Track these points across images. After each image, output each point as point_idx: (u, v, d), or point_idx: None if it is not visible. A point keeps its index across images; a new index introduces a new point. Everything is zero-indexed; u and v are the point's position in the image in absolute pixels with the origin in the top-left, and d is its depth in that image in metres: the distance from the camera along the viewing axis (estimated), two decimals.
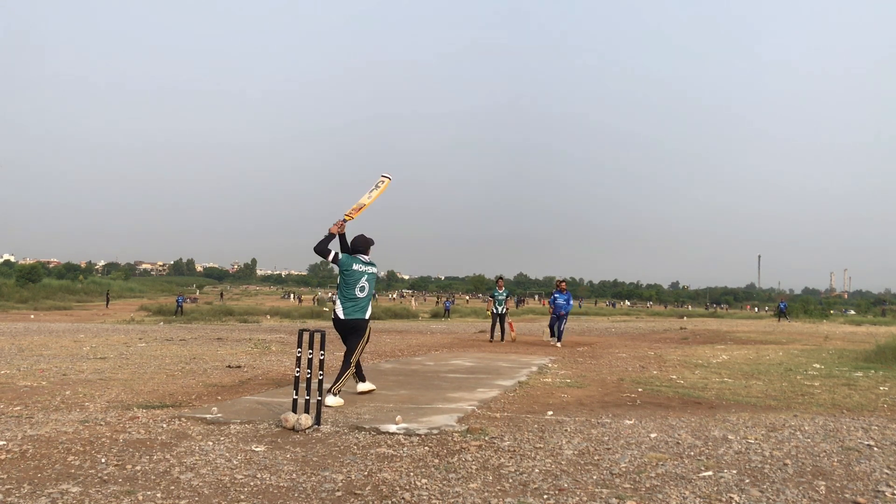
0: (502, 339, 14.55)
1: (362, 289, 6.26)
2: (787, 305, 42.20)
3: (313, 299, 60.37)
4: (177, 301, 36.82)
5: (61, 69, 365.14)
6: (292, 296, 68.06)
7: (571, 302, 14.35)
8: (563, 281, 14.55)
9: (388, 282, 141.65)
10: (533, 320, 28.56)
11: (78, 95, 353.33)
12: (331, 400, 5.79)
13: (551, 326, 14.10)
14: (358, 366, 6.37)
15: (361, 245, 6.37)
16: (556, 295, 14.10)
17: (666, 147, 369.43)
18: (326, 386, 5.77)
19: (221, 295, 66.74)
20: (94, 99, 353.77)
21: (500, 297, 14.74)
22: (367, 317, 6.27)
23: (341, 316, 6.20)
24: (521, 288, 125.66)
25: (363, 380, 6.49)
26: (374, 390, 6.51)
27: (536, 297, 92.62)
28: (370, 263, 6.36)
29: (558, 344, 13.59)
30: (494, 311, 14.89)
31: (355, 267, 6.24)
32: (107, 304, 43.17)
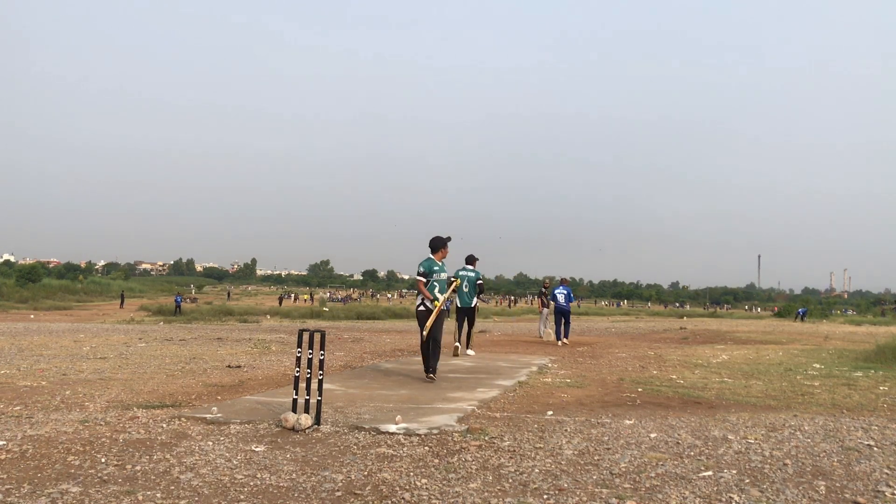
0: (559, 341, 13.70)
1: (461, 287, 9.96)
2: (806, 311, 45.45)
3: (281, 296, 60.58)
4: (175, 300, 36.91)
5: (63, 71, 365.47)
6: (293, 296, 67.45)
7: (572, 297, 14.06)
8: (564, 278, 14.51)
9: (388, 282, 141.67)
10: (533, 320, 28.53)
11: (79, 98, 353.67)
12: (471, 352, 10.27)
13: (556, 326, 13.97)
14: (469, 336, 10.39)
15: (464, 259, 10.44)
16: (556, 291, 14.04)
17: (666, 147, 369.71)
18: (463, 350, 10.32)
19: (229, 295, 66.19)
20: (96, 101, 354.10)
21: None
22: (473, 304, 10.18)
23: (458, 304, 10.15)
24: (521, 288, 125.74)
25: (467, 346, 10.32)
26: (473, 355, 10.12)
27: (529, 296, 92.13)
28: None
29: (565, 341, 13.50)
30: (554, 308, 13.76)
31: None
32: (121, 305, 45.58)
